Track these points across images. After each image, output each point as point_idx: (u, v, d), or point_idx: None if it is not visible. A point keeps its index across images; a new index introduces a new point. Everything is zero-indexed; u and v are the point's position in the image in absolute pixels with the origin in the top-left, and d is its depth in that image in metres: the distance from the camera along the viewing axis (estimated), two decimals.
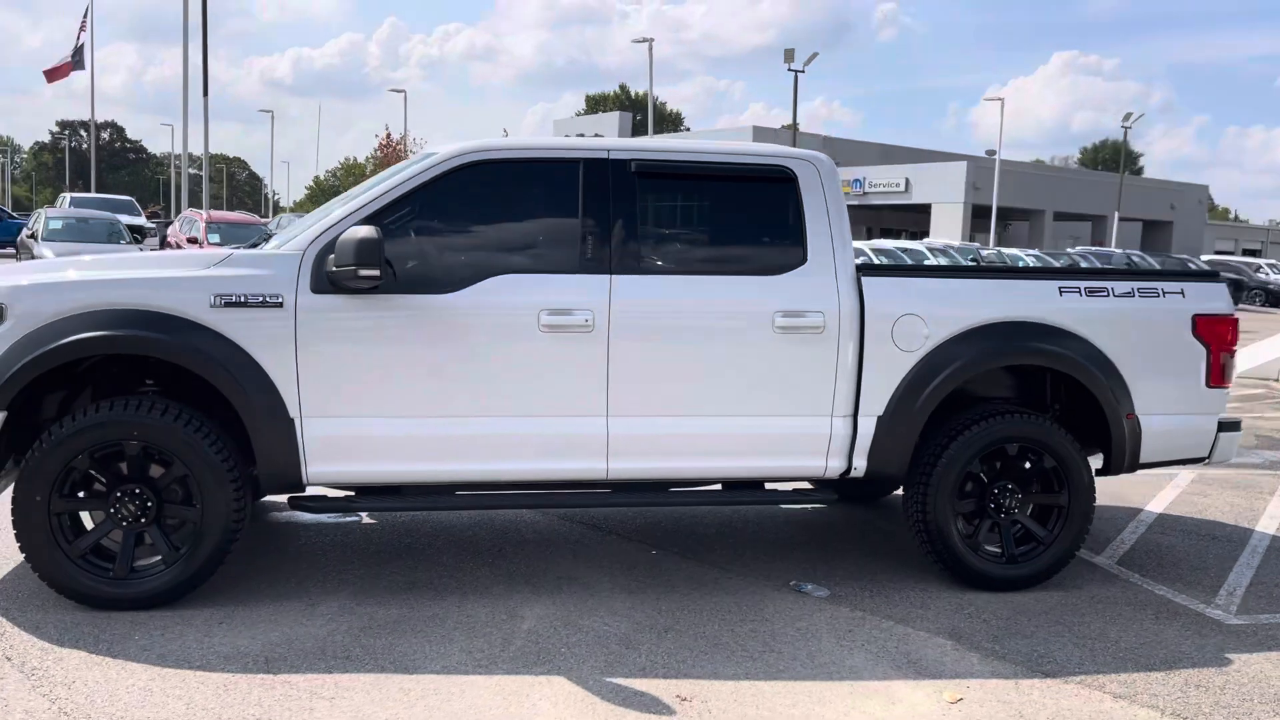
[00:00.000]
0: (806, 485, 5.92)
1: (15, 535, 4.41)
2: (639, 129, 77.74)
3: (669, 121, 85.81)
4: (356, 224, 4.54)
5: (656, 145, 5.08)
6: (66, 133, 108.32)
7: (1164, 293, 5.29)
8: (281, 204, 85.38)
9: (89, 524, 4.61)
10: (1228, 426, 5.44)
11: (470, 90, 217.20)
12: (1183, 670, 4.30)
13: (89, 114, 53.04)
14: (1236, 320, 5.40)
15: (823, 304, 4.89)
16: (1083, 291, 5.19)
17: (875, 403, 4.99)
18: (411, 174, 4.77)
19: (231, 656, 4.07)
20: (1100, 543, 6.07)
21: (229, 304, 4.48)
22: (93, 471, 4.48)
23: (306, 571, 5.11)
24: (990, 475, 5.18)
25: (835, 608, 4.87)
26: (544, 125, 66.53)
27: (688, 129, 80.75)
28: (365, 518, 6.10)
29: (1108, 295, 5.22)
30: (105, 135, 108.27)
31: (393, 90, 75.50)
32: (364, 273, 4.38)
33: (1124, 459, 5.27)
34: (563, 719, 3.67)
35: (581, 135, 63.68)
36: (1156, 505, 7.03)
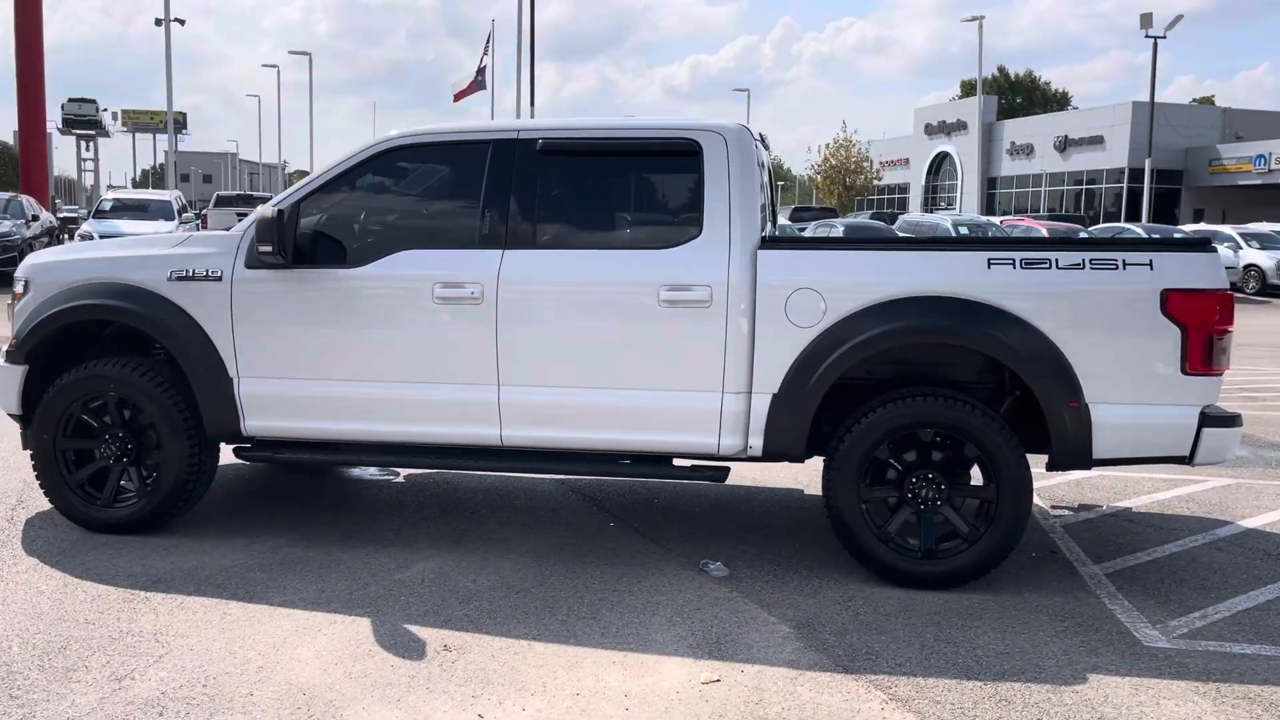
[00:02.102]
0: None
1: (32, 466, 5.43)
2: (1017, 110, 73.54)
3: (1054, 101, 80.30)
4: (273, 205, 5.12)
5: (565, 124, 5.21)
6: None
7: (1125, 264, 4.61)
8: None
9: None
10: (1218, 421, 4.64)
11: (860, 84, 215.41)
12: (1016, 684, 3.83)
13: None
14: (1225, 296, 4.58)
15: (710, 277, 4.80)
16: (1017, 264, 4.66)
17: (769, 380, 4.81)
18: (344, 159, 5.28)
19: (136, 575, 4.79)
20: (1121, 550, 5.36)
21: (181, 278, 5.23)
22: (85, 417, 5.40)
23: (287, 516, 5.78)
24: (912, 463, 4.80)
25: (716, 587, 4.77)
26: (915, 115, 64.50)
27: (1076, 108, 75.11)
28: (401, 476, 6.71)
29: (1049, 268, 4.65)
30: None
31: (737, 89, 76.25)
32: (261, 249, 4.95)
33: (1068, 452, 4.68)
34: (320, 654, 4.01)
35: (942, 122, 61.50)
36: (1254, 520, 6.01)
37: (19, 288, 5.57)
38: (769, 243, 4.90)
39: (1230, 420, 4.67)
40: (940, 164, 62.30)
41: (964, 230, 26.61)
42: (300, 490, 6.38)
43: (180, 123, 72.37)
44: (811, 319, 4.75)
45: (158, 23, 32.78)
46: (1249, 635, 4.32)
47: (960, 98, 71.47)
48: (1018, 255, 4.68)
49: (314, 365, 5.14)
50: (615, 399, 4.93)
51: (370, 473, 6.78)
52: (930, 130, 62.40)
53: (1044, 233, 28.90)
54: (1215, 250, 4.66)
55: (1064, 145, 53.97)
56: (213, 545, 5.23)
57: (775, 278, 4.79)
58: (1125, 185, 48.58)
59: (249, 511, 5.87)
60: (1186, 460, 4.68)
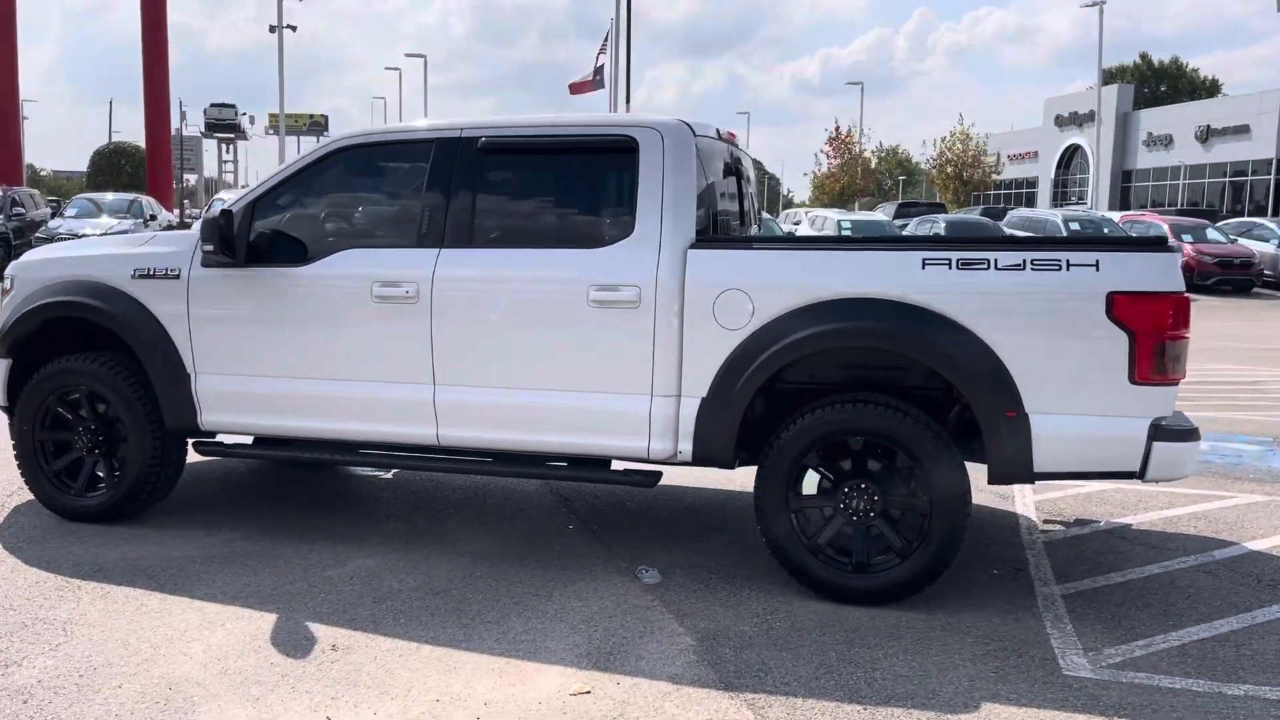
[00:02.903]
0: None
1: (14, 456, 5.68)
2: (1160, 100, 69.97)
3: (1201, 90, 76.24)
4: (228, 205, 5.21)
5: (507, 122, 5.15)
6: None
7: (1069, 265, 4.30)
8: (794, 201, 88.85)
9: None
10: (1170, 434, 4.28)
11: (999, 75, 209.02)
12: (898, 709, 3.61)
13: None
14: (1179, 299, 4.23)
15: (639, 277, 4.68)
16: (953, 264, 4.40)
17: (698, 383, 4.67)
18: (298, 159, 5.35)
19: (82, 564, 4.96)
20: (1095, 570, 5.03)
21: (143, 276, 5.38)
22: (60, 410, 5.62)
23: (257, 509, 5.90)
24: (846, 472, 4.59)
25: (640, 595, 4.66)
26: (1045, 106, 62.10)
27: (1226, 95, 71.10)
28: (389, 474, 6.78)
29: (987, 269, 4.37)
30: None
31: (850, 83, 74.17)
32: (204, 248, 5.06)
33: (1007, 465, 4.39)
34: (209, 649, 4.06)
35: (1074, 113, 59.05)
36: (1262, 542, 5.54)
37: (6, 284, 5.83)
38: (702, 242, 4.75)
39: (1185, 434, 4.31)
40: (1071, 157, 59.83)
41: (1075, 227, 25.50)
42: (284, 484, 6.50)
43: (322, 124, 75.28)
44: (740, 321, 4.59)
45: (271, 29, 34.17)
46: (1186, 668, 3.98)
47: (1103, 84, 68.53)
48: (954, 255, 4.41)
49: (264, 362, 5.22)
50: (547, 400, 4.86)
51: (360, 469, 6.87)
52: (1060, 121, 59.96)
53: (1165, 228, 27.48)
54: (1171, 250, 4.30)
55: (1206, 135, 51.12)
56: (171, 536, 5.37)
57: (704, 278, 4.64)
58: (1273, 177, 45.76)
59: (222, 504, 6.01)
60: (1137, 476, 4.34)
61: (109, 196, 26.95)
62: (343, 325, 5.09)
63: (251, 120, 74.16)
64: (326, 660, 3.96)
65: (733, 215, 5.61)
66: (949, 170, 50.90)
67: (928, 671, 3.92)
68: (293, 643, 4.11)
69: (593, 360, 4.78)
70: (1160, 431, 4.28)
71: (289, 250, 5.20)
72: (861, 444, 4.53)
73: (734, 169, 5.69)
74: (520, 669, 3.91)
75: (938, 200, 43.55)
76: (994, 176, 54.90)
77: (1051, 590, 4.78)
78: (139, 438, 5.42)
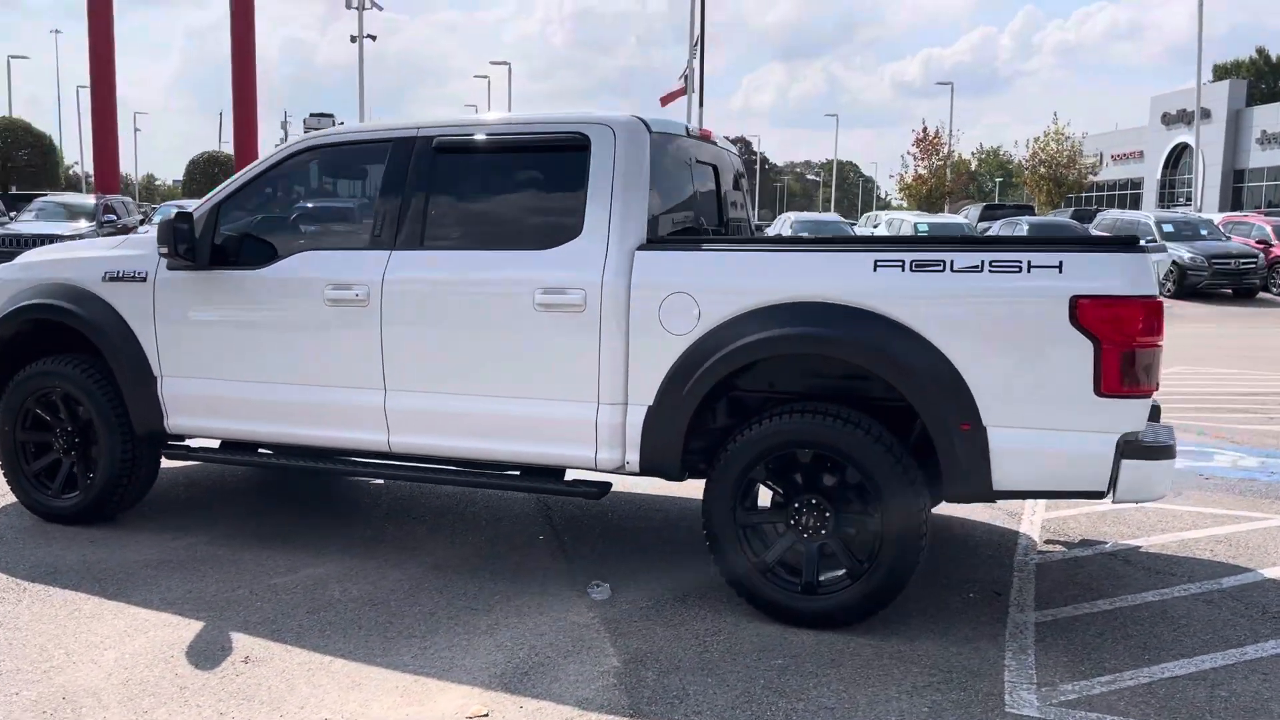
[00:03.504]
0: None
1: None
2: (1276, 96, 66.71)
3: None
4: (195, 207, 5.18)
5: (462, 120, 5.02)
6: None
7: (1030, 266, 3.97)
8: (891, 204, 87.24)
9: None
10: (1140, 451, 3.92)
11: (1110, 72, 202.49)
12: None
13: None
14: (1149, 304, 3.86)
15: (585, 280, 4.49)
16: (906, 266, 4.10)
17: (644, 391, 4.46)
18: (263, 161, 5.30)
19: (39, 565, 4.97)
20: (1083, 596, 4.66)
21: (113, 279, 5.39)
22: (39, 411, 5.66)
23: (233, 513, 5.88)
24: (798, 486, 4.32)
25: (581, 612, 4.46)
26: (1151, 104, 59.72)
27: None
28: (376, 480, 6.70)
29: (942, 270, 4.06)
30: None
31: (939, 83, 71.78)
32: (160, 250, 5.03)
33: (963, 482, 4.07)
34: (123, 658, 3.99)
35: (1181, 110, 56.66)
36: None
37: None
38: (652, 243, 4.54)
39: (1158, 451, 3.94)
40: (1179, 157, 57.43)
41: (1168, 228, 24.39)
42: (270, 488, 6.48)
43: None
44: (686, 325, 4.37)
45: (352, 39, 34.86)
46: (1146, 709, 3.61)
47: (1214, 81, 65.62)
48: (908, 256, 4.12)
49: (225, 366, 5.18)
50: (496, 407, 4.70)
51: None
52: (1168, 120, 57.60)
53: (1269, 231, 26.12)
54: (1141, 250, 3.94)
55: None
56: (139, 539, 5.37)
57: (650, 281, 4.43)
58: None
59: (201, 507, 6.00)
60: (1104, 495, 3.98)
61: (74, 198, 27.83)
62: (298, 329, 5.01)
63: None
64: (233, 673, 3.86)
65: (708, 216, 5.39)
66: (1041, 171, 49.12)
67: (855, 704, 3.64)
68: (208, 653, 4.03)
69: (540, 366, 4.61)
70: (1129, 448, 3.92)
71: (250, 252, 5.15)
72: (811, 457, 4.26)
73: (713, 168, 5.47)
74: (425, 688, 3.75)
75: (1023, 205, 42.08)
76: (1091, 177, 52.78)
77: (1026, 617, 4.44)
78: (109, 441, 5.43)
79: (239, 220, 5.24)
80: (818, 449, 4.21)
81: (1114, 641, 4.19)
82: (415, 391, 4.82)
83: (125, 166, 58.80)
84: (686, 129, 5.13)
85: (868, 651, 4.07)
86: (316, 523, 5.74)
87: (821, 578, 4.29)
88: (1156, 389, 4.01)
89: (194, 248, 5.06)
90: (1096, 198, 56.96)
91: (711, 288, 4.35)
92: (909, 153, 47.88)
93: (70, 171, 68.50)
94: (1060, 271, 3.92)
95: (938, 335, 4.04)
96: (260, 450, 5.40)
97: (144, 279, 5.31)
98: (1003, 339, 4.00)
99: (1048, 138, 49.20)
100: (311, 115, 70.46)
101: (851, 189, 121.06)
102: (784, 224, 27.96)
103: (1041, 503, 6.16)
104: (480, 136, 4.90)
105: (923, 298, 4.07)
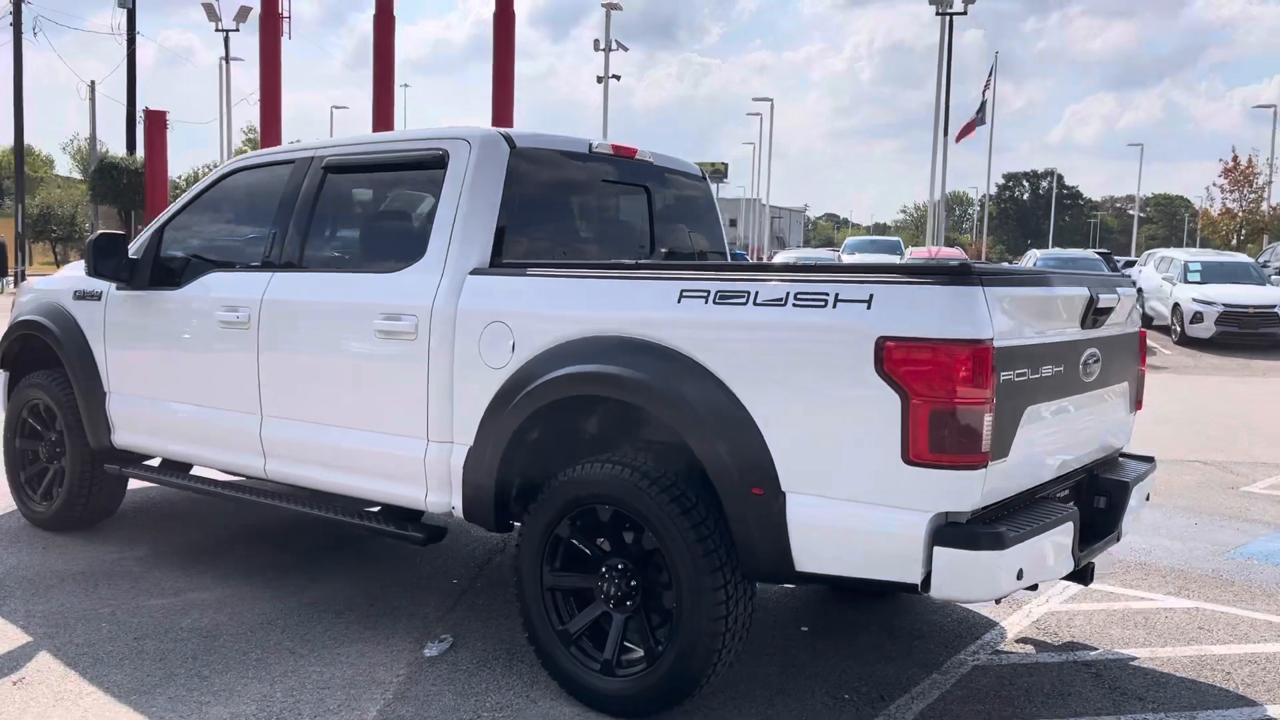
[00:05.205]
0: None
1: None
2: None
3: None
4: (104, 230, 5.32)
5: (351, 139, 4.83)
6: (1010, 183, 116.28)
7: (836, 300, 3.22)
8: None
9: None
10: (961, 539, 3.05)
11: None
12: None
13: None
14: (975, 349, 3.01)
15: (417, 306, 4.15)
16: (710, 297, 3.46)
17: (466, 429, 4.04)
18: (200, 183, 5.36)
19: None
20: (985, 715, 3.74)
21: (79, 297, 5.62)
22: (30, 421, 5.98)
23: (191, 529, 5.95)
24: (602, 548, 3.75)
25: (391, 667, 4.08)
26: None
27: None
28: None
29: (745, 303, 3.39)
30: (1044, 184, 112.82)
31: (1258, 106, 61.99)
32: (85, 269, 5.17)
33: (758, 557, 3.35)
34: None
35: None
36: None
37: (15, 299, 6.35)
38: (488, 268, 4.12)
39: (983, 539, 3.05)
40: None
41: None
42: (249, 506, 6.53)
43: (722, 172, 76.12)
44: (503, 358, 3.92)
45: (598, 80, 35.71)
46: None
47: None
48: (714, 286, 3.47)
49: (151, 384, 5.25)
50: (344, 440, 4.43)
51: None
52: None
53: None
54: (970, 283, 3.08)
55: None
56: (86, 549, 5.53)
57: (474, 308, 4.02)
58: None
59: (172, 520, 6.12)
60: (918, 589, 3.14)
61: None
62: (199, 349, 4.99)
63: None
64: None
65: (625, 241, 4.89)
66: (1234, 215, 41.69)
67: None
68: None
69: (379, 397, 4.31)
70: (943, 533, 3.07)
71: (177, 273, 5.19)
72: (610, 515, 3.67)
73: (645, 190, 4.98)
74: None
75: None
76: None
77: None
78: (73, 454, 5.65)
79: (175, 241, 5.31)
80: (615, 506, 3.63)
81: None
82: (282, 419, 4.66)
83: None
84: (589, 146, 4.67)
85: None
86: (252, 546, 5.69)
87: (624, 657, 3.69)
88: (998, 458, 3.12)
89: (121, 266, 5.16)
90: None
91: (524, 316, 3.88)
92: (1215, 184, 42.48)
93: None
94: (869, 307, 3.15)
95: (734, 379, 3.37)
96: (192, 472, 5.44)
97: (98, 298, 5.49)
98: (804, 388, 3.27)
99: (1232, 180, 41.69)
100: None
101: (1179, 225, 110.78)
102: (1028, 260, 25.82)
103: (1069, 588, 5.11)
104: (360, 156, 4.69)
105: (719, 334, 3.41)
